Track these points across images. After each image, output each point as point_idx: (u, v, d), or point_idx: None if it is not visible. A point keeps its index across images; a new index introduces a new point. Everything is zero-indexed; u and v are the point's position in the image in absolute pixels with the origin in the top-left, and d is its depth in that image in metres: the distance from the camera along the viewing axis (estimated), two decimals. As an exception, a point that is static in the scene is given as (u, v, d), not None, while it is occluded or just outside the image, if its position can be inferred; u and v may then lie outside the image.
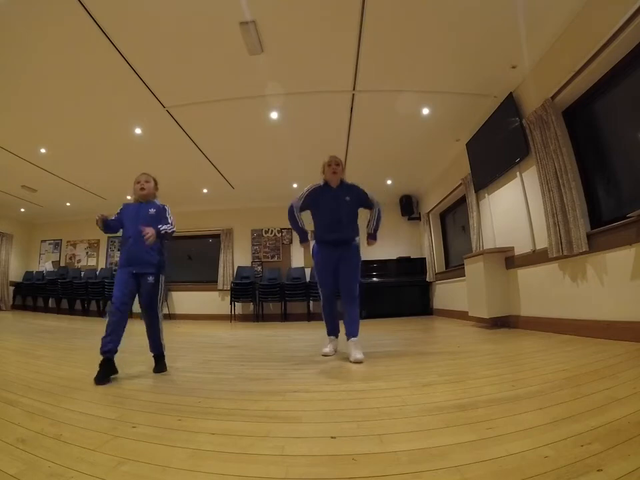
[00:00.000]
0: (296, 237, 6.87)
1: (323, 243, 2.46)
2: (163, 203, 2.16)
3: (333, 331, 2.55)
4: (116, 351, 1.81)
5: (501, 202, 3.87)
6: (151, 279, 1.98)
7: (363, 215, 2.57)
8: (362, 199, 2.50)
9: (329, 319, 2.56)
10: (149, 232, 1.86)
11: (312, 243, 2.57)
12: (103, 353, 1.77)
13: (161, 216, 2.06)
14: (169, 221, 2.06)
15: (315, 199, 2.46)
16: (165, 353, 2.02)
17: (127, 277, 1.93)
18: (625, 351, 1.92)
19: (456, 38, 2.83)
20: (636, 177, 2.41)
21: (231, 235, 7.23)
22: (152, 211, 2.07)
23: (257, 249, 7.19)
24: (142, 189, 2.08)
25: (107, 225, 2.02)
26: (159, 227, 1.96)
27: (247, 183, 6.11)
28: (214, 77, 3.25)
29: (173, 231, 2.06)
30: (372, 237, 2.54)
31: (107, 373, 1.74)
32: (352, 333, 2.31)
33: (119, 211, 2.09)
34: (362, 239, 2.52)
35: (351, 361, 2.13)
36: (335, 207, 2.41)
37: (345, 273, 2.40)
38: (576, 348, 2.16)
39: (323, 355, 2.40)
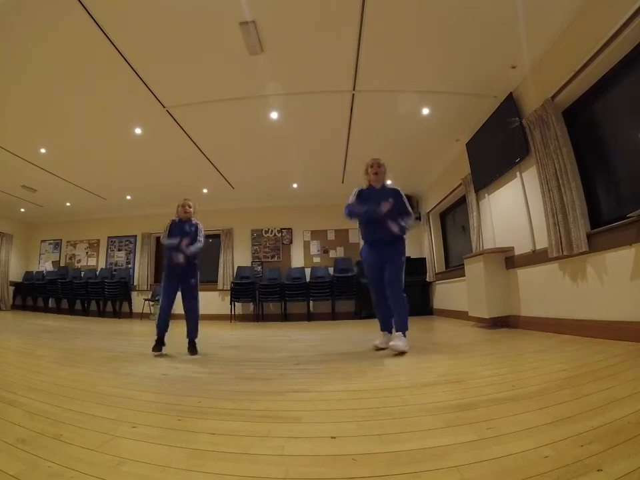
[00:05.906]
0: (296, 237, 7.00)
1: (367, 242, 2.61)
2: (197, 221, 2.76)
3: (384, 327, 2.63)
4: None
5: (501, 202, 3.87)
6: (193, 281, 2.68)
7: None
8: (400, 205, 2.53)
9: (379, 315, 2.66)
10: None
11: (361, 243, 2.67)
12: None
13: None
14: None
15: (363, 200, 2.57)
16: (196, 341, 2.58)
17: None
18: (625, 351, 1.92)
19: (456, 38, 2.83)
20: (636, 177, 2.41)
21: (231, 235, 7.23)
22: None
23: (257, 248, 7.19)
24: (186, 212, 2.71)
25: None
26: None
27: (247, 183, 6.11)
28: (214, 76, 3.25)
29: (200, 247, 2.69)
30: (399, 230, 2.51)
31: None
32: (397, 327, 2.44)
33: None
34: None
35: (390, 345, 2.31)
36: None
37: (387, 272, 2.48)
38: (576, 348, 2.15)
39: (374, 348, 2.54)
